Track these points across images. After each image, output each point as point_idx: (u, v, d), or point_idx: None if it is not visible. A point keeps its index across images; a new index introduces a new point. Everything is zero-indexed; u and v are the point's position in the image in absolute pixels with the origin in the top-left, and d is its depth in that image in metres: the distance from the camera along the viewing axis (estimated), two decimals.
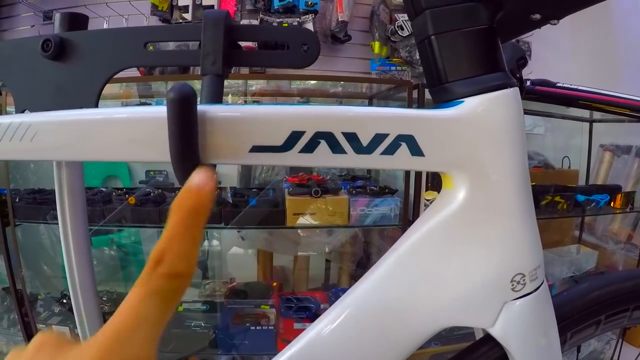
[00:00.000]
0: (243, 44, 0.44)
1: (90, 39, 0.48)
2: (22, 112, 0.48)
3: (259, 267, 2.00)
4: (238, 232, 1.91)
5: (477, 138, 0.35)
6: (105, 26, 2.53)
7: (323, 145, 0.33)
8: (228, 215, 1.40)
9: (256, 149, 0.33)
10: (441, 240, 0.37)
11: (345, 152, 0.33)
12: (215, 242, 2.10)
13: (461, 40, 0.36)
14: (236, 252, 2.08)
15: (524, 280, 0.37)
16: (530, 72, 2.77)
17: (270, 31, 0.44)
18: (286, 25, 2.22)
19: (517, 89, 0.36)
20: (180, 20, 2.32)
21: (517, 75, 0.58)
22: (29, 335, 1.54)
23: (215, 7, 2.28)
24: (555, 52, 2.80)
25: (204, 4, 2.30)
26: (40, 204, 1.48)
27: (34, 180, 1.79)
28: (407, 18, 2.30)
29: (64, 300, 1.67)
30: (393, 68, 2.31)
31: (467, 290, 0.37)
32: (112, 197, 1.51)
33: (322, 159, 0.34)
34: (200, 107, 0.31)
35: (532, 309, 0.39)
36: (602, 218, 2.41)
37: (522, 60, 0.58)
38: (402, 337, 0.38)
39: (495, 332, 0.38)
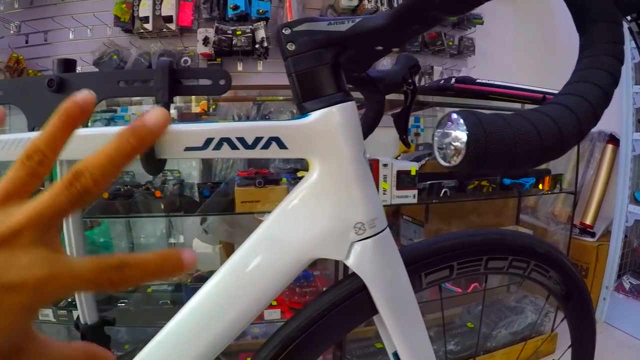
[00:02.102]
0: None
1: (81, 78, 0.70)
2: (33, 129, 0.69)
3: (222, 257, 2.16)
4: (201, 224, 2.08)
5: (320, 136, 0.55)
6: (70, 36, 2.66)
7: (225, 145, 0.54)
8: (189, 206, 1.61)
9: (187, 148, 0.54)
10: (304, 201, 0.57)
11: (239, 149, 0.54)
12: (179, 237, 2.26)
13: (311, 75, 0.55)
14: (199, 245, 2.21)
15: (363, 227, 0.57)
16: (474, 67, 2.95)
17: (199, 72, 0.64)
18: (240, 32, 2.38)
19: (352, 103, 0.55)
20: (142, 31, 2.46)
21: (410, 80, 0.73)
22: None
23: (174, 18, 2.42)
24: (499, 45, 2.97)
25: (162, 14, 2.44)
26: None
27: None
28: None
29: None
30: None
31: (323, 234, 0.57)
32: None
33: (225, 153, 0.54)
34: None
35: (375, 248, 0.58)
36: (543, 201, 2.59)
37: (414, 67, 0.74)
38: (283, 268, 0.58)
39: (350, 263, 0.58)
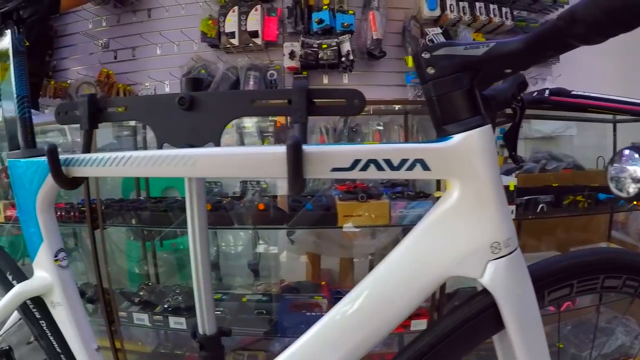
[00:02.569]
0: None
1: (213, 97, 0.71)
2: (162, 145, 0.72)
3: (307, 268, 2.18)
4: (288, 236, 2.11)
5: (462, 159, 0.57)
6: (158, 52, 2.77)
7: (372, 167, 0.57)
8: (287, 218, 1.62)
9: (334, 169, 0.57)
10: (444, 221, 0.60)
11: (384, 170, 0.57)
12: (266, 247, 2.29)
13: (451, 99, 0.57)
14: (286, 256, 2.26)
15: (499, 246, 0.58)
16: (559, 75, 2.83)
17: (334, 92, 0.65)
18: (325, 46, 2.41)
19: (489, 126, 0.57)
20: (228, 45, 2.53)
21: (518, 97, 0.73)
22: (110, 322, 1.77)
23: (259, 33, 2.48)
24: (584, 52, 2.87)
25: (248, 29, 2.51)
26: (128, 210, 1.73)
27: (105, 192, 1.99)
28: (437, 32, 2.48)
29: (141, 293, 1.90)
30: None
31: (462, 253, 0.59)
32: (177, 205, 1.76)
33: (371, 174, 0.57)
34: (304, 147, 0.56)
35: (508, 266, 0.59)
36: (634, 217, 2.43)
37: (522, 84, 0.74)
38: (421, 285, 0.60)
39: (484, 281, 0.59)
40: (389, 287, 0.61)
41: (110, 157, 0.68)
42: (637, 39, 2.71)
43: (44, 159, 0.75)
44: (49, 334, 0.89)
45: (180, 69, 2.60)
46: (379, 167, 0.57)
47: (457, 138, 0.56)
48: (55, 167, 0.72)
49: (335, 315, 0.63)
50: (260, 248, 2.27)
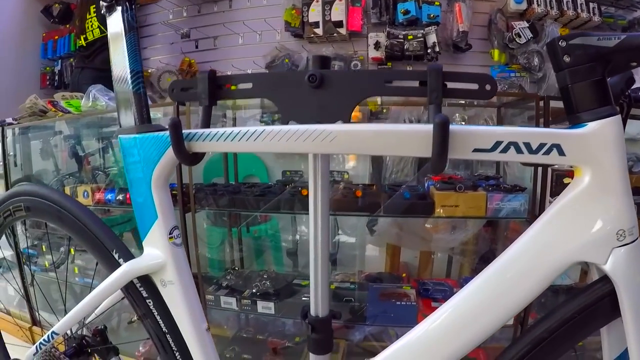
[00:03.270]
0: None
1: (344, 75, 0.72)
2: (287, 122, 0.72)
3: (387, 260, 2.18)
4: (369, 226, 2.11)
5: (596, 146, 0.58)
6: (240, 41, 2.82)
7: (512, 149, 0.58)
8: (373, 206, 1.63)
9: (476, 150, 0.59)
10: (573, 207, 0.61)
11: (523, 153, 0.59)
12: (344, 237, 2.30)
13: (586, 87, 0.59)
14: (365, 247, 2.27)
15: (624, 234, 0.59)
16: None
17: (466, 76, 0.65)
18: (411, 37, 2.39)
19: (619, 116, 0.59)
20: (312, 35, 2.55)
21: (627, 92, 0.73)
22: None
23: (344, 23, 2.48)
24: None
25: (332, 19, 2.51)
26: (219, 194, 1.77)
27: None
28: (523, 26, 2.41)
29: (228, 277, 1.94)
30: (512, 74, 2.41)
31: (589, 239, 0.60)
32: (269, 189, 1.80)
33: (510, 157, 0.59)
34: (451, 127, 0.58)
35: (631, 254, 0.60)
36: None
37: (630, 80, 0.74)
38: (546, 271, 0.62)
39: (607, 267, 0.60)
40: (514, 273, 0.63)
41: (239, 132, 0.69)
42: None
43: (163, 133, 0.76)
44: (155, 313, 0.88)
45: (264, 58, 2.63)
46: (518, 150, 0.58)
47: (591, 126, 0.58)
48: (178, 141, 0.73)
49: (458, 303, 0.65)
50: (339, 237, 2.27)
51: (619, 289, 0.59)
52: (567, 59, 0.58)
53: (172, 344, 0.88)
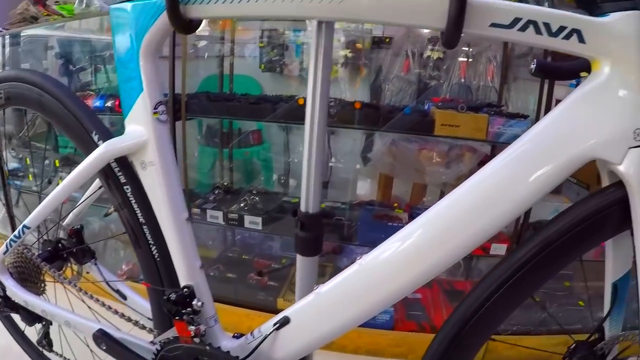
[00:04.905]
0: None
1: None
2: None
3: (379, 190, 2.15)
4: (363, 154, 2.07)
5: (617, 37, 0.54)
6: None
7: (531, 28, 0.54)
8: (385, 120, 1.58)
9: (493, 24, 0.55)
10: (589, 99, 0.57)
11: (542, 34, 0.54)
12: (338, 165, 2.26)
13: None
14: (355, 177, 2.24)
15: None
16: None
17: None
18: None
19: None
20: None
21: None
22: None
23: None
24: None
25: None
26: (213, 101, 1.70)
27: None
28: None
29: (216, 192, 1.91)
30: None
31: (605, 134, 0.56)
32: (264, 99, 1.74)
33: (528, 37, 0.55)
34: None
35: None
36: None
37: None
38: (560, 163, 0.57)
39: (622, 168, 0.55)
40: (526, 161, 0.59)
41: None
42: None
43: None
44: (132, 202, 0.82)
45: None
46: (537, 30, 0.54)
47: (614, 16, 0.54)
48: (174, 3, 0.66)
49: (450, 203, 0.62)
50: (332, 163, 2.23)
51: (633, 194, 0.55)
52: None
53: (149, 237, 0.83)
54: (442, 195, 2.13)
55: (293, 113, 1.61)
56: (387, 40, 2.20)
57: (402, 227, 0.65)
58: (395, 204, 1.98)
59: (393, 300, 0.65)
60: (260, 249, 2.07)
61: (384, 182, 2.13)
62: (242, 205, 1.80)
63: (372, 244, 0.69)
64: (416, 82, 2.11)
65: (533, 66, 0.71)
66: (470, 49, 2.19)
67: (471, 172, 1.71)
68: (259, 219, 1.72)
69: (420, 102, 1.75)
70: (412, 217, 1.72)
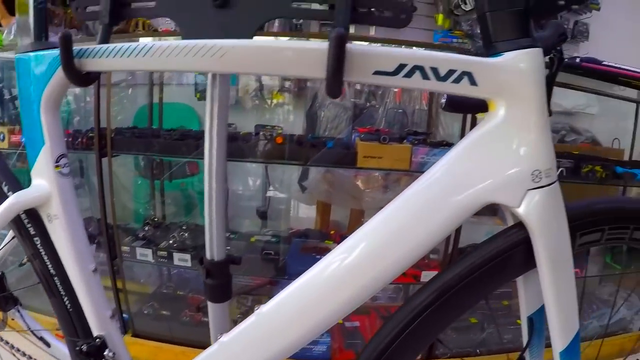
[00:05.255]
0: None
1: None
2: None
3: (317, 217, 2.14)
4: (300, 183, 2.06)
5: (512, 77, 0.54)
6: None
7: (417, 74, 0.53)
8: (308, 155, 1.58)
9: (377, 72, 0.53)
10: (485, 142, 0.56)
11: (429, 79, 0.53)
12: (276, 192, 2.25)
13: (505, 16, 0.54)
14: (295, 203, 2.24)
15: (540, 175, 0.55)
16: (587, 53, 2.76)
17: (384, 1, 0.62)
18: None
19: (540, 49, 0.55)
20: None
21: (558, 48, 0.69)
22: (112, 257, 1.71)
23: None
24: (614, 34, 2.74)
25: None
26: (138, 137, 1.66)
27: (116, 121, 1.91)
28: None
29: (146, 228, 1.86)
30: (455, 40, 2.39)
31: (502, 178, 0.55)
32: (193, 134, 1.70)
33: (415, 83, 0.53)
34: (350, 45, 0.51)
35: (546, 198, 0.56)
36: None
37: (562, 35, 0.70)
38: (455, 209, 0.57)
39: (521, 210, 0.56)
40: (417, 209, 0.58)
41: (130, 47, 0.62)
42: None
43: (56, 50, 0.68)
44: (42, 253, 0.81)
45: None
46: (425, 76, 0.53)
47: (507, 55, 0.53)
48: (67, 57, 0.64)
49: (350, 245, 0.60)
50: (271, 193, 2.22)
51: (534, 236, 0.56)
52: None
53: (60, 287, 0.82)
54: None
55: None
56: None
57: None
58: (332, 231, 1.98)
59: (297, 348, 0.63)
60: (195, 283, 2.03)
61: (322, 209, 2.13)
62: (171, 241, 1.76)
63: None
64: (352, 108, 2.13)
65: (443, 101, 0.71)
66: None
67: None
68: (187, 256, 1.69)
69: (347, 134, 1.76)
70: None
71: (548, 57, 0.69)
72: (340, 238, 1.80)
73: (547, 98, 0.67)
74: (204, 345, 1.73)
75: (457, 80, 0.53)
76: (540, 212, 0.56)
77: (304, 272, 1.52)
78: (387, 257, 0.58)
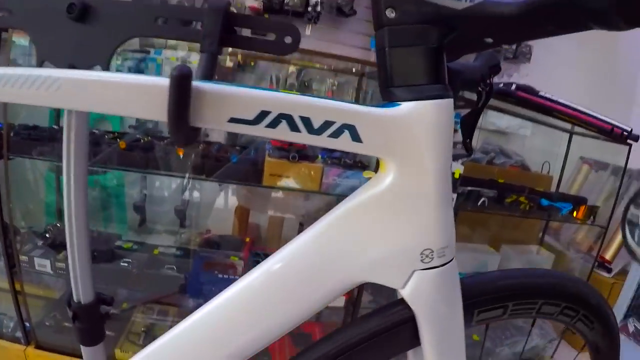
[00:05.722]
0: None
1: (110, 6, 0.55)
2: (42, 63, 0.56)
3: (235, 221, 2.08)
4: (219, 186, 1.99)
5: (406, 135, 0.44)
6: None
7: (283, 124, 0.42)
8: (211, 169, 1.49)
9: (233, 120, 0.42)
10: (369, 210, 0.46)
11: (300, 132, 0.42)
12: (195, 194, 2.17)
13: (408, 55, 0.43)
14: (215, 206, 2.16)
15: (432, 255, 0.46)
16: (527, 74, 2.78)
17: (262, 22, 0.52)
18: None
19: (449, 100, 0.45)
20: None
21: (488, 80, 0.61)
22: (10, 266, 1.58)
23: None
24: (558, 59, 2.75)
25: None
26: (35, 140, 1.51)
27: (23, 116, 1.76)
28: None
29: (47, 235, 1.73)
30: None
31: (385, 256, 0.47)
32: (103, 139, 1.56)
33: (282, 134, 0.42)
34: (195, 83, 0.40)
35: (438, 281, 0.48)
36: (568, 226, 2.51)
37: (495, 67, 0.62)
38: (325, 287, 0.48)
39: (405, 293, 0.48)
40: (280, 285, 0.48)
41: None
42: (611, 59, 2.64)
43: None
44: None
45: None
46: (293, 127, 0.42)
47: (405, 107, 0.43)
48: None
49: (209, 313, 0.50)
50: (190, 195, 2.14)
51: (419, 320, 0.49)
52: (390, 13, 0.42)
53: None
54: (300, 227, 2.10)
55: (114, 158, 1.48)
56: (253, 63, 2.13)
57: (233, 279, 0.55)
58: (248, 239, 1.93)
59: None
60: (104, 292, 1.92)
61: (240, 213, 2.06)
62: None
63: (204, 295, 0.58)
64: None
65: None
66: (337, 77, 2.19)
67: (328, 204, 1.67)
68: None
69: (259, 144, 1.68)
70: (248, 265, 1.66)
71: (476, 91, 0.62)
72: (248, 253, 1.75)
73: (470, 132, 0.62)
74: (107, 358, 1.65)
75: (336, 135, 0.42)
76: (426, 295, 0.48)
77: (206, 289, 1.44)
78: (238, 337, 0.49)
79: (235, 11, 1.94)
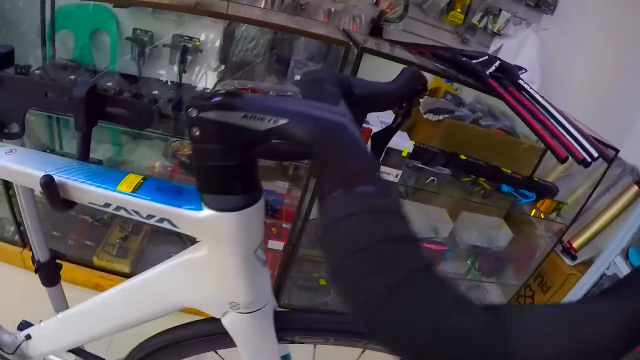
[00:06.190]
0: None
1: (9, 80, 0.64)
2: None
3: None
4: None
5: (208, 231, 0.55)
6: None
7: (123, 211, 0.58)
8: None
9: (91, 203, 0.59)
10: (191, 267, 0.61)
11: (134, 216, 0.58)
12: None
13: (214, 171, 0.48)
14: None
15: (238, 305, 0.61)
16: (546, 29, 2.63)
17: (121, 101, 0.62)
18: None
19: (258, 205, 0.52)
20: None
21: (404, 104, 0.61)
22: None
23: None
24: (587, 17, 2.46)
25: None
26: None
27: None
28: None
29: None
30: None
31: (200, 298, 0.64)
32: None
33: (123, 215, 0.59)
34: (61, 180, 0.58)
35: (247, 319, 0.63)
36: None
37: (422, 89, 0.60)
38: (161, 305, 0.68)
39: (224, 321, 0.64)
40: (136, 299, 0.70)
41: None
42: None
43: None
44: None
45: None
46: (129, 213, 0.58)
47: (205, 213, 0.52)
48: None
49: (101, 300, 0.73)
50: None
51: (237, 344, 0.66)
52: (196, 132, 0.44)
53: None
54: None
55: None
56: None
57: None
58: None
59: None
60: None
61: None
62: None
63: None
64: (271, 33, 1.94)
65: None
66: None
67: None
68: None
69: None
70: None
71: (393, 111, 0.63)
72: None
73: (379, 152, 0.66)
74: (86, 264, 1.88)
75: (160, 221, 0.56)
76: (242, 329, 0.65)
77: None
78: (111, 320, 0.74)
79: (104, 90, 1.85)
